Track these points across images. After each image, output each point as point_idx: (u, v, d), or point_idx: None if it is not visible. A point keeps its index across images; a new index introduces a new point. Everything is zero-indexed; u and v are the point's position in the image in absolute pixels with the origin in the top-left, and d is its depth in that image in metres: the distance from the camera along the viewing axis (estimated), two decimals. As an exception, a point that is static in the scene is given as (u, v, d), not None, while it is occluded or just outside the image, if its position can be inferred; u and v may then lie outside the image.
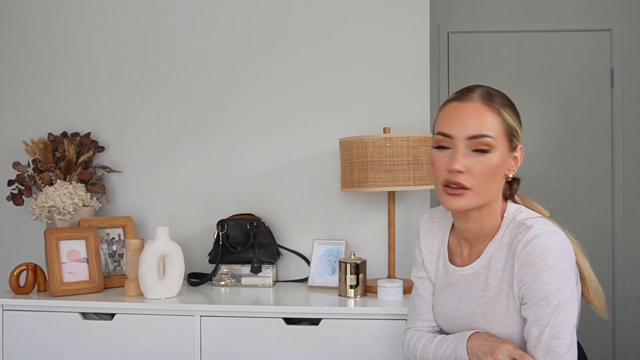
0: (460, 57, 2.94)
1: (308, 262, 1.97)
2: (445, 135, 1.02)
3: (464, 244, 1.14)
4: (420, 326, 1.23)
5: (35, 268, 1.79)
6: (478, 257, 1.09)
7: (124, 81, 2.09)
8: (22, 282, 1.77)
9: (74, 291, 1.74)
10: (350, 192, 1.85)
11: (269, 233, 1.92)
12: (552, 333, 0.94)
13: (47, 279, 1.80)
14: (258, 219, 1.93)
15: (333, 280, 1.84)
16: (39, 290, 1.81)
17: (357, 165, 1.72)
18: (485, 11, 2.93)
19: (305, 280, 1.98)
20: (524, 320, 1.01)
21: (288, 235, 2.02)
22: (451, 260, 1.17)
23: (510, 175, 1.07)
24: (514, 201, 1.13)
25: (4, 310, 1.66)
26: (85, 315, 1.65)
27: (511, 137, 1.03)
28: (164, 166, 2.07)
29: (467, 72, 2.92)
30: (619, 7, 2.89)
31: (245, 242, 1.88)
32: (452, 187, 1.00)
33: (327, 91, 2.02)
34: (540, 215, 1.06)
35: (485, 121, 0.99)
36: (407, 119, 1.98)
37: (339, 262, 1.71)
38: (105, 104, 2.10)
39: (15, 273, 1.75)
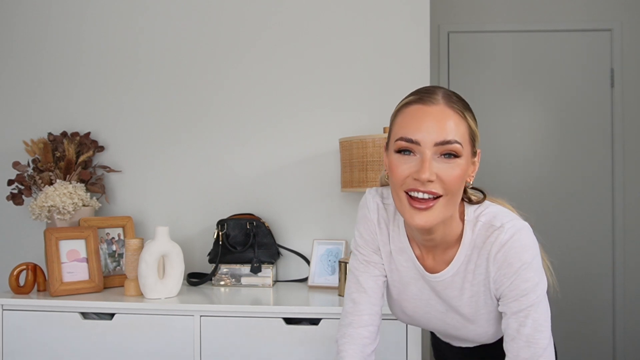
0: (460, 57, 2.94)
1: (308, 262, 1.97)
2: (410, 141, 0.93)
3: (426, 252, 1.07)
4: (359, 325, 1.09)
5: (35, 268, 1.79)
6: (447, 265, 1.04)
7: (124, 81, 2.09)
8: (22, 282, 1.77)
9: (74, 291, 1.74)
10: (351, 192, 1.85)
11: (268, 233, 1.92)
12: (534, 326, 0.95)
13: (46, 278, 1.80)
14: (258, 219, 1.93)
15: (333, 280, 1.84)
16: (38, 290, 1.81)
17: (357, 165, 1.72)
18: (485, 11, 2.93)
19: (305, 280, 1.98)
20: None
21: (288, 235, 2.02)
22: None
23: (471, 182, 1.01)
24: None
25: (3, 310, 1.66)
26: (85, 315, 1.65)
27: (473, 141, 0.98)
28: (164, 166, 2.07)
29: (467, 72, 2.92)
30: (619, 7, 2.89)
31: (245, 242, 1.88)
32: (418, 198, 0.93)
33: (327, 91, 2.02)
34: (501, 208, 1.02)
35: (452, 126, 0.93)
36: (407, 119, 1.98)
37: (339, 262, 1.71)
38: (105, 104, 2.10)
39: (15, 273, 1.75)
